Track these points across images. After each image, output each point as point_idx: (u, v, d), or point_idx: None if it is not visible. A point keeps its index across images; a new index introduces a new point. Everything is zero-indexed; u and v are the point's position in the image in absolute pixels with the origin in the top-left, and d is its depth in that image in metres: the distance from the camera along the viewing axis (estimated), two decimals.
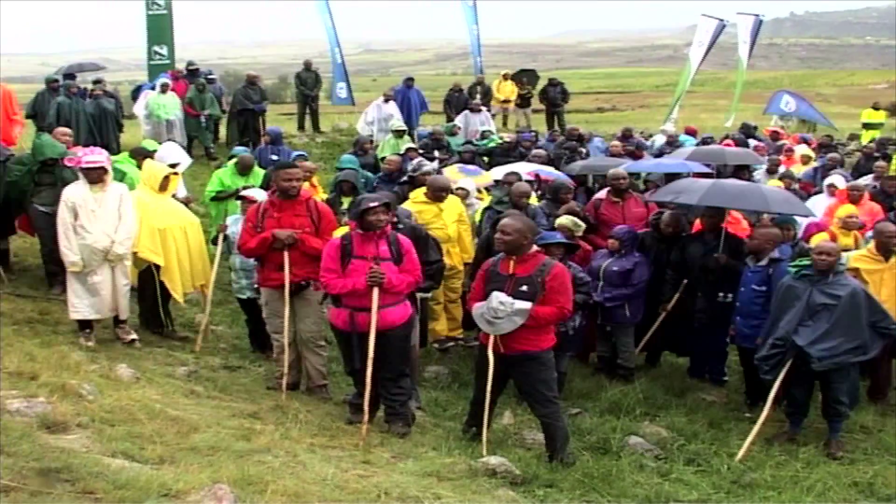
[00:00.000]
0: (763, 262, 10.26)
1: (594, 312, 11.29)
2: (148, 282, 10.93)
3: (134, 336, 10.54)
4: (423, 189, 11.84)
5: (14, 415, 6.31)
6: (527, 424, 9.61)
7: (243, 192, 11.12)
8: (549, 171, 15.61)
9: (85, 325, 10.23)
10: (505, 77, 29.58)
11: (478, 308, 8.30)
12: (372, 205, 8.31)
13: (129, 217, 10.15)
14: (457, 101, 27.23)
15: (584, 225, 11.58)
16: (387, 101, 24.28)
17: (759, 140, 22.73)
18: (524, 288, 8.14)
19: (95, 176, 10.00)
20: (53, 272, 11.95)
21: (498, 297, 8.08)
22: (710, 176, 14.30)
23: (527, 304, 8.05)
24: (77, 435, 6.30)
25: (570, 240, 10.75)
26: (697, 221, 11.87)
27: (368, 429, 8.31)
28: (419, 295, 9.72)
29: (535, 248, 8.50)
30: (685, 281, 11.36)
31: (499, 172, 14.87)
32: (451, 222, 11.56)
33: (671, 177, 14.71)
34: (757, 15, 32.69)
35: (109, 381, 8.26)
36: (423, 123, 26.38)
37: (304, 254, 9.24)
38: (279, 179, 9.37)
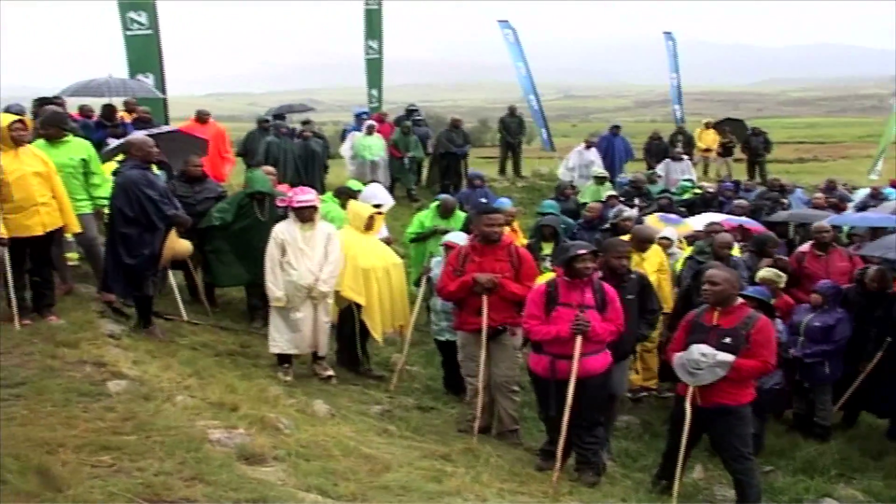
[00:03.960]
0: None
1: (792, 368, 10.96)
2: (348, 320, 11.06)
3: (331, 372, 10.68)
4: (626, 237, 11.72)
5: (215, 444, 6.45)
6: (718, 480, 9.45)
7: (445, 240, 11.15)
8: (748, 222, 15.30)
9: (284, 359, 10.42)
10: (707, 126, 29.13)
11: (679, 357, 8.16)
12: (580, 252, 8.30)
13: (334, 256, 10.30)
14: (656, 149, 26.96)
15: (785, 276, 11.33)
16: (588, 147, 24.19)
17: None
18: (728, 340, 8.00)
19: (307, 215, 10.21)
20: (255, 306, 12.28)
21: (700, 349, 7.95)
22: None
23: (730, 357, 7.88)
24: (273, 468, 6.39)
25: (773, 292, 10.51)
26: None
27: (560, 476, 8.22)
28: None
29: (740, 300, 8.30)
30: (889, 339, 10.93)
31: (700, 222, 14.62)
32: (651, 272, 11.38)
33: (876, 231, 14.22)
34: None
35: (306, 416, 8.37)
36: (626, 171, 26.15)
37: (502, 298, 9.21)
38: (482, 224, 9.39)
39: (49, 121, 11.29)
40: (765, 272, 11.23)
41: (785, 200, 19.00)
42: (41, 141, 11.03)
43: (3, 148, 9.70)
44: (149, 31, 20.05)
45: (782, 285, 11.28)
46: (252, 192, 12.03)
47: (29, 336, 9.13)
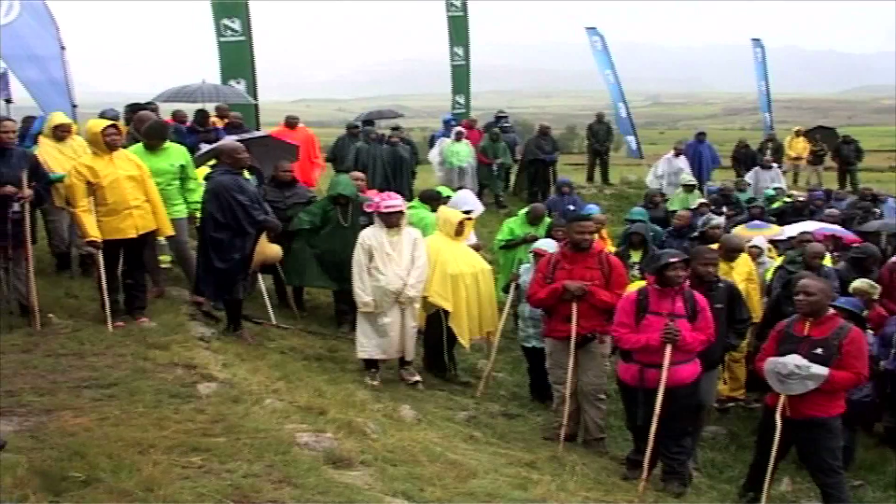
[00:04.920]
0: None
1: (883, 380, 10.74)
2: (435, 325, 11.08)
3: (418, 378, 10.68)
4: (715, 245, 11.61)
5: (303, 448, 6.49)
6: (805, 493, 9.28)
7: (534, 248, 11.15)
8: (842, 231, 15.02)
9: (371, 364, 10.46)
10: (797, 133, 28.63)
11: (772, 363, 8.03)
12: (672, 260, 8.23)
13: (421, 261, 10.31)
14: (744, 157, 26.65)
15: (879, 288, 11.13)
16: (677, 154, 23.89)
17: None
18: (819, 351, 7.88)
19: (394, 220, 10.24)
20: (343, 311, 12.34)
21: (794, 360, 7.82)
22: None
23: (824, 370, 7.75)
24: (360, 472, 6.40)
25: (866, 304, 10.32)
26: None
27: (646, 486, 8.17)
28: None
29: (831, 310, 8.17)
30: None
31: (795, 231, 14.41)
32: (740, 280, 11.24)
33: None
34: None
35: (392, 421, 8.38)
36: (713, 179, 25.85)
37: (592, 306, 9.19)
38: (572, 232, 9.39)
39: (152, 133, 11.54)
40: (859, 283, 11.05)
41: (877, 210, 18.57)
42: (139, 147, 11.25)
43: (97, 152, 9.91)
44: (242, 38, 20.32)
45: (876, 296, 11.07)
46: (335, 195, 12.10)
47: (121, 338, 9.30)
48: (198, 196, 11.24)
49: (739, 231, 14.55)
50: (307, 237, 12.14)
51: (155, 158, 11.10)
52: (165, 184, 11.06)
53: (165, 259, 12.45)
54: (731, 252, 11.55)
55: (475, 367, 12.26)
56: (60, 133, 11.65)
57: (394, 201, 10.36)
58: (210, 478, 5.57)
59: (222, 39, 20.30)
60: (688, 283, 8.49)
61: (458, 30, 27.70)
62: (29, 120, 13.65)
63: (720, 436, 11.06)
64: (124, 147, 10.58)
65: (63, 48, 14.33)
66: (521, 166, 24.34)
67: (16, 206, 9.61)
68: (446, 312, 10.84)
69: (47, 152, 11.31)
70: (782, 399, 7.99)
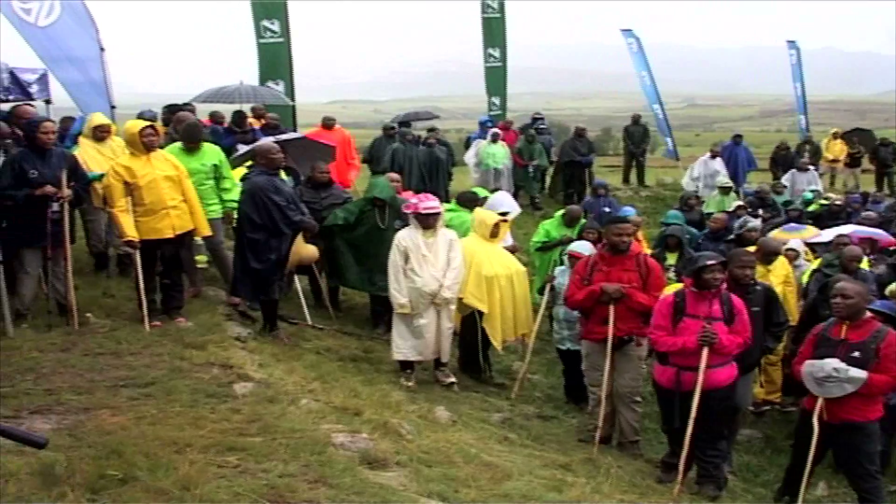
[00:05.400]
0: None
1: None
2: (470, 327, 11.08)
3: (453, 379, 10.68)
4: (752, 248, 11.56)
5: (338, 448, 6.48)
6: (841, 498, 9.19)
7: (570, 250, 11.14)
8: (879, 234, 14.88)
9: (406, 365, 10.46)
10: (835, 136, 28.39)
11: (809, 366, 7.99)
12: (709, 263, 8.19)
13: (457, 262, 10.30)
14: (783, 160, 26.47)
15: None
16: (713, 157, 23.79)
17: None
18: (856, 354, 7.85)
19: (431, 222, 10.25)
20: (378, 312, 12.36)
21: (832, 364, 7.78)
22: None
23: (863, 374, 7.72)
24: (395, 472, 6.39)
25: None
26: None
27: (681, 489, 8.14)
28: None
29: (868, 314, 8.10)
30: None
31: (830, 234, 14.31)
32: (777, 283, 11.19)
33: None
34: None
35: (427, 423, 8.36)
36: (749, 181, 25.70)
37: (629, 308, 9.15)
38: (611, 234, 9.38)
39: (188, 136, 11.61)
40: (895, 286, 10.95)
41: None
42: (175, 147, 11.33)
43: (134, 153, 9.99)
44: (280, 39, 20.45)
45: None
46: (372, 197, 12.12)
47: (158, 337, 9.36)
48: (234, 195, 11.30)
49: (776, 234, 14.48)
50: (344, 236, 12.18)
51: (187, 158, 11.16)
52: (199, 183, 11.09)
53: (202, 259, 12.53)
54: (768, 255, 11.53)
55: (510, 368, 12.25)
56: (100, 133, 11.79)
57: (432, 203, 10.37)
58: (246, 477, 5.59)
59: (261, 41, 20.44)
60: (725, 285, 8.45)
61: (494, 31, 27.55)
62: (68, 121, 13.72)
63: (755, 439, 11.02)
64: (162, 147, 10.65)
65: (102, 49, 14.44)
66: (557, 168, 24.34)
67: (55, 206, 9.72)
68: (481, 314, 10.85)
69: (87, 153, 11.44)
70: (820, 402, 7.95)
